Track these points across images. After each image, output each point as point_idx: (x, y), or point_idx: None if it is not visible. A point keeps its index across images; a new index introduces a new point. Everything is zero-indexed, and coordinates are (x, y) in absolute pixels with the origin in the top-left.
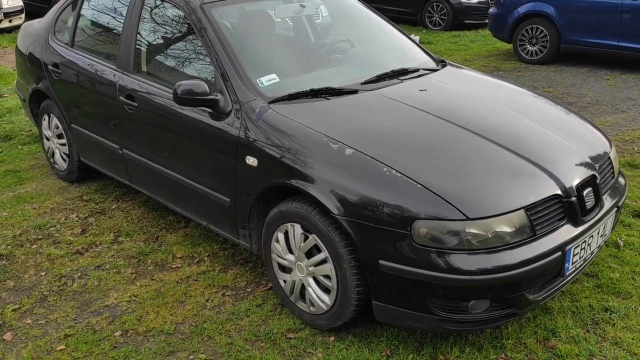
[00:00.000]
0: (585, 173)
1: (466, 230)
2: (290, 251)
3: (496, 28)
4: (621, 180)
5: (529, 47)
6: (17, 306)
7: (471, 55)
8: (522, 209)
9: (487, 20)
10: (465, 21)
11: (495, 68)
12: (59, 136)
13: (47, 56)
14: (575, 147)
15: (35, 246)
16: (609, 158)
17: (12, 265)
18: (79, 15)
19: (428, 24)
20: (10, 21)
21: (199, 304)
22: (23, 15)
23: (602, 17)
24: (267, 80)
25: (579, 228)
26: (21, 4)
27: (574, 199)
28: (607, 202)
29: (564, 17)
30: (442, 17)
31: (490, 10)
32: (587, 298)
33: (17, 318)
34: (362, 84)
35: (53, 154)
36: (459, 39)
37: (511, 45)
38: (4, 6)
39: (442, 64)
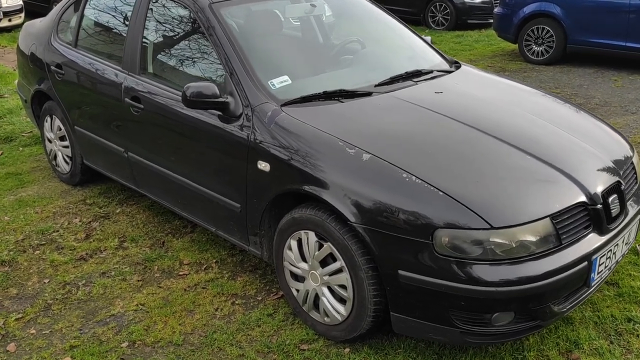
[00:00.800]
0: (610, 179)
1: (490, 240)
2: (304, 259)
3: (501, 28)
4: None
5: (535, 48)
6: (20, 315)
7: (476, 56)
8: (548, 218)
9: (490, 20)
10: (469, 21)
11: (500, 68)
12: (62, 138)
13: (49, 56)
14: (598, 152)
15: (38, 252)
16: (632, 163)
17: (14, 272)
18: (82, 15)
19: (431, 23)
20: (9, 20)
21: (208, 313)
22: (23, 15)
23: (609, 17)
24: (279, 82)
25: (604, 236)
26: (21, 3)
27: (599, 206)
28: (632, 208)
29: (571, 17)
30: (445, 16)
31: (496, 10)
32: (609, 307)
33: (21, 328)
34: (376, 86)
35: (55, 157)
36: (462, 39)
37: (516, 45)
38: (3, 5)
39: (455, 65)
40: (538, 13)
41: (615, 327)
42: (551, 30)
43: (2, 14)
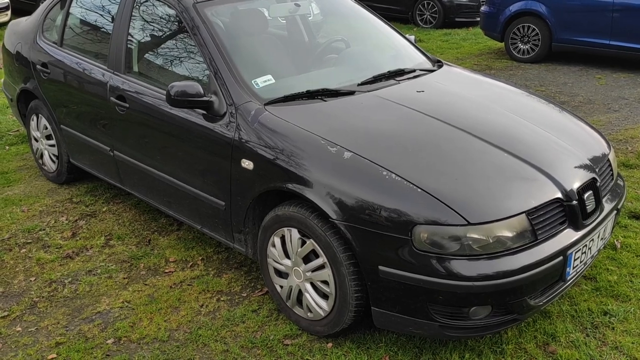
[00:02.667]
0: (585, 176)
1: (467, 236)
2: (287, 256)
3: (488, 26)
4: (620, 182)
5: (521, 46)
6: (6, 313)
7: (463, 54)
8: (524, 214)
9: (477, 19)
10: (456, 19)
11: (487, 67)
12: (48, 137)
13: (35, 55)
14: (575, 149)
15: (24, 250)
16: (608, 160)
17: (0, 270)
18: (68, 14)
19: (419, 21)
20: None
21: (193, 309)
22: (9, 13)
23: (594, 16)
24: (263, 82)
25: (580, 232)
26: (7, 0)
27: (575, 202)
28: (607, 205)
29: (556, 15)
30: (433, 15)
31: (482, 8)
32: (586, 301)
33: (7, 325)
34: (359, 85)
35: (42, 155)
36: (450, 37)
37: (503, 43)
38: None
39: (438, 64)
40: (524, 12)
41: (591, 320)
42: (537, 29)
43: None
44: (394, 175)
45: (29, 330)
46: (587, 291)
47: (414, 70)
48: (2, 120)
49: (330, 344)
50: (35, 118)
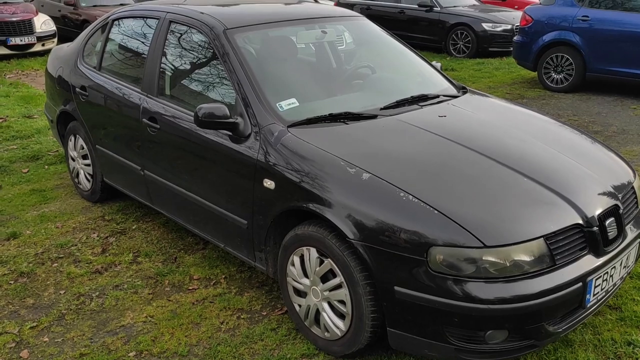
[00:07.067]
0: (607, 202)
1: (483, 258)
2: (306, 275)
3: (520, 56)
4: None
5: (554, 75)
6: (35, 324)
7: (495, 83)
8: (542, 238)
9: (511, 48)
10: (490, 49)
11: (519, 95)
12: (84, 157)
13: (75, 79)
14: (597, 175)
15: (56, 264)
16: (633, 188)
17: (32, 283)
18: (107, 39)
19: (452, 51)
20: (43, 45)
21: (213, 326)
22: (56, 40)
23: (628, 46)
24: (287, 104)
25: (600, 259)
26: (54, 28)
27: (595, 228)
28: (631, 232)
29: (590, 45)
30: (467, 44)
31: (515, 38)
32: (610, 331)
33: (35, 336)
34: (381, 109)
35: (77, 174)
36: (483, 66)
37: (536, 73)
38: (37, 30)
39: (462, 90)
40: (557, 41)
41: (614, 350)
42: (570, 59)
43: (36, 39)
44: (410, 197)
45: (56, 340)
46: (612, 321)
47: (437, 96)
48: (43, 141)
49: None
50: (72, 138)
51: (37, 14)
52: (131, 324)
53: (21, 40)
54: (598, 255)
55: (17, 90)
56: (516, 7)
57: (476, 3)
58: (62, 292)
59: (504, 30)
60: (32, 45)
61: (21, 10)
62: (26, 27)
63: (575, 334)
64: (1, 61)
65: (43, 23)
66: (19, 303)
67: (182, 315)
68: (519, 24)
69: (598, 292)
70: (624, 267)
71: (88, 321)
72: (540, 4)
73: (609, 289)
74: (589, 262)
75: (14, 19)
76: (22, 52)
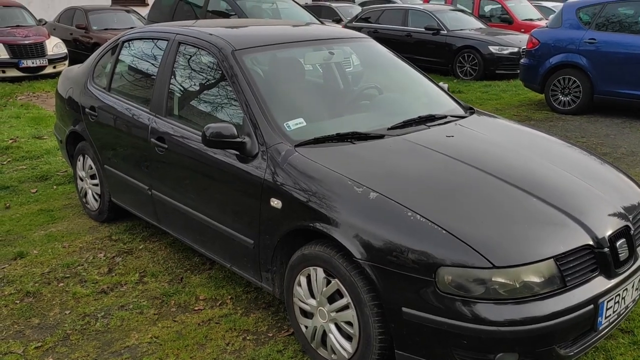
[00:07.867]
0: (618, 223)
1: (493, 279)
2: (313, 296)
3: (528, 78)
4: None
5: (562, 98)
6: (40, 344)
7: (502, 105)
8: (552, 259)
9: (518, 71)
10: (497, 71)
11: (526, 117)
12: (92, 176)
13: (84, 100)
14: (607, 196)
15: (62, 284)
16: None
17: (38, 302)
18: (117, 61)
19: (459, 73)
20: (54, 67)
21: (219, 347)
22: (67, 62)
23: (636, 68)
24: (294, 124)
25: (612, 280)
26: (65, 51)
27: (606, 249)
28: None
29: (597, 68)
30: (473, 67)
31: (522, 60)
32: (622, 355)
33: (39, 356)
34: (389, 129)
35: (85, 194)
36: (490, 89)
37: (543, 95)
38: (48, 53)
39: (470, 111)
40: (564, 64)
41: None
42: (577, 81)
43: (47, 61)
44: (418, 216)
45: None
46: (624, 345)
47: (445, 116)
48: (52, 161)
49: None
50: (81, 158)
51: (49, 37)
52: (136, 344)
53: (33, 63)
54: (609, 276)
55: (27, 111)
56: (522, 30)
57: (483, 26)
58: (67, 312)
59: (511, 53)
60: (43, 67)
61: (33, 34)
62: (38, 50)
63: (587, 358)
64: (13, 83)
65: (55, 46)
66: (25, 323)
67: (188, 336)
68: (525, 46)
69: (610, 315)
70: (637, 289)
71: (93, 342)
72: (547, 26)
73: (621, 312)
74: (600, 283)
75: (27, 42)
76: (34, 75)
